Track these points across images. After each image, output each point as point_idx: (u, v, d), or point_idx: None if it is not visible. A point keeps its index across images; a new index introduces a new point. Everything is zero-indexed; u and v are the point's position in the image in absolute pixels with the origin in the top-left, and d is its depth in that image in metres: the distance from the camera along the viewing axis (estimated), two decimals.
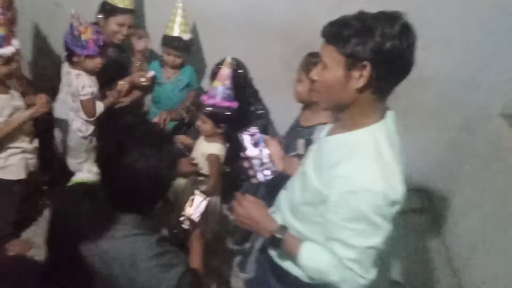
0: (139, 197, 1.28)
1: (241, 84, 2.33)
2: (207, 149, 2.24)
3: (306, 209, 1.34)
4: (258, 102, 2.60)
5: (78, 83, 2.30)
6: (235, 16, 2.85)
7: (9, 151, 2.08)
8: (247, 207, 1.42)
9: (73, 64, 2.29)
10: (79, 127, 2.42)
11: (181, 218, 1.47)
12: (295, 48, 2.93)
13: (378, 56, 1.12)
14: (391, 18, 1.15)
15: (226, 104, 2.11)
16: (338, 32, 1.21)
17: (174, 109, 2.69)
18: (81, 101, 2.34)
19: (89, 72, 2.32)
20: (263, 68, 2.81)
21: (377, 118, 1.25)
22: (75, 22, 2.14)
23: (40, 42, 3.11)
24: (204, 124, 2.16)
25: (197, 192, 1.52)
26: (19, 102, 2.04)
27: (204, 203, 1.48)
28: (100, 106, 2.39)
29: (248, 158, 1.47)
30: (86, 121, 2.42)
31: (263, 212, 1.44)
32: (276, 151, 1.56)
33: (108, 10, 2.48)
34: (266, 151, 1.48)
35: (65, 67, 2.36)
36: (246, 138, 1.48)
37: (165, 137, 1.52)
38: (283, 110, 2.65)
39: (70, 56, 2.26)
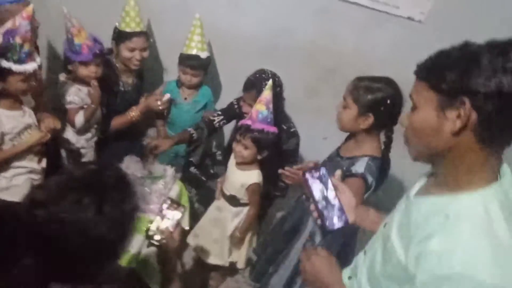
0: (67, 261, 0.94)
1: (277, 101, 2.18)
2: (247, 179, 2.05)
3: (389, 285, 1.06)
4: (289, 119, 2.44)
5: (63, 91, 2.17)
6: (258, 38, 2.74)
7: (15, 171, 1.93)
8: (316, 264, 1.20)
9: (69, 73, 2.17)
10: (69, 138, 2.24)
11: (150, 233, 1.33)
12: (320, 73, 2.83)
13: (483, 92, 0.87)
14: (505, 46, 0.88)
15: (272, 129, 1.96)
16: (431, 64, 0.98)
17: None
18: (66, 110, 2.19)
19: (82, 81, 2.16)
20: (285, 93, 2.67)
21: (489, 177, 0.94)
22: (67, 23, 2.01)
23: (53, 58, 3.02)
24: (246, 150, 1.97)
25: (167, 204, 1.40)
26: (30, 119, 1.92)
27: (179, 214, 1.37)
28: (79, 117, 2.17)
29: (315, 203, 1.24)
30: (77, 132, 2.25)
31: (335, 274, 1.21)
32: (348, 198, 1.30)
33: (117, 36, 2.36)
34: (334, 195, 1.24)
35: (61, 76, 2.23)
36: (313, 180, 1.25)
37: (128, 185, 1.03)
38: (306, 138, 2.51)
39: (66, 64, 2.14)
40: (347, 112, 1.65)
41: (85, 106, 2.17)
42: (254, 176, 2.04)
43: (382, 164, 1.65)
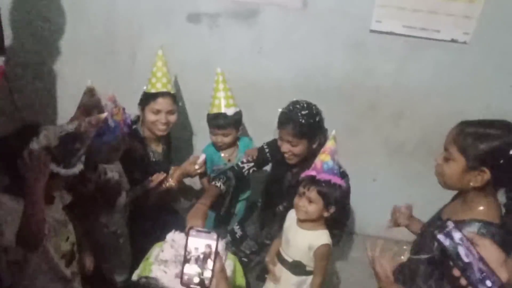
0: None
1: (318, 132, 1.93)
2: (315, 239, 1.75)
3: None
4: None
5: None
6: (290, 81, 2.55)
7: None
8: None
9: None
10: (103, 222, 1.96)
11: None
12: (360, 110, 2.61)
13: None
14: None
15: (339, 181, 1.71)
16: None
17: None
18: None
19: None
20: None
21: None
22: (108, 104, 1.78)
23: None
24: (310, 205, 1.71)
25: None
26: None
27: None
28: (122, 198, 1.94)
29: (459, 266, 0.98)
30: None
31: None
32: (493, 254, 1.04)
33: (143, 99, 2.17)
34: (472, 252, 1.00)
35: None
36: (448, 241, 1.02)
37: None
38: (353, 179, 2.24)
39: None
40: (451, 165, 1.29)
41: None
42: (323, 236, 1.75)
43: (500, 233, 1.25)
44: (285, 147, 1.92)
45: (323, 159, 1.71)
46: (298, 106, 1.90)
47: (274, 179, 2.13)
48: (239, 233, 2.20)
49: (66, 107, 2.65)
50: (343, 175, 1.87)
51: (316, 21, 2.41)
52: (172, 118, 2.17)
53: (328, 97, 2.55)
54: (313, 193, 1.70)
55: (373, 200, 2.65)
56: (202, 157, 2.19)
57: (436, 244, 1.24)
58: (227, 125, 2.21)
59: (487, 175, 1.23)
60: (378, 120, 2.61)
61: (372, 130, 2.64)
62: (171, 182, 2.10)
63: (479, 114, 1.39)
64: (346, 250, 2.80)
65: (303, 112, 1.87)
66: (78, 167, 1.46)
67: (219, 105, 2.21)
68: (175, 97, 2.19)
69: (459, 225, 1.20)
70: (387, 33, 2.37)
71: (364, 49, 2.43)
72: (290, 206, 1.83)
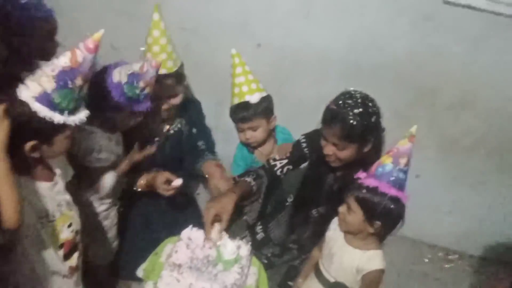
0: None
1: (376, 134, 1.56)
2: (366, 262, 1.42)
3: None
4: None
5: (89, 143, 1.60)
6: (337, 52, 2.18)
7: None
8: None
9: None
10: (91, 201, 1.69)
11: None
12: (416, 95, 2.23)
13: None
14: None
15: (393, 192, 1.34)
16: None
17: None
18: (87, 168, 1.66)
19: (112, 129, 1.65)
20: None
21: None
22: (150, 69, 1.50)
23: None
24: (350, 215, 1.40)
25: None
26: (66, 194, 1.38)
27: None
28: (109, 180, 1.63)
29: None
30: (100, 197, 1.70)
31: None
32: None
33: None
34: None
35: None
36: None
37: None
38: None
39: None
40: None
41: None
42: (376, 259, 1.42)
43: None
44: (328, 149, 1.56)
45: (382, 161, 1.37)
46: (350, 101, 1.49)
47: (311, 180, 1.75)
48: (261, 234, 1.86)
49: None
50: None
51: None
52: (176, 100, 1.81)
53: (380, 76, 2.19)
54: (351, 200, 1.38)
55: (412, 198, 2.34)
56: (178, 182, 1.69)
57: None
58: (253, 115, 1.80)
59: None
60: (435, 108, 2.24)
61: (427, 120, 2.27)
62: (141, 182, 1.75)
63: None
64: None
65: (355, 111, 1.47)
66: (84, 112, 1.21)
67: (240, 93, 1.80)
68: (179, 75, 1.79)
69: None
70: (464, 6, 1.95)
71: (433, 23, 2.02)
72: (328, 213, 1.51)
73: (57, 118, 1.13)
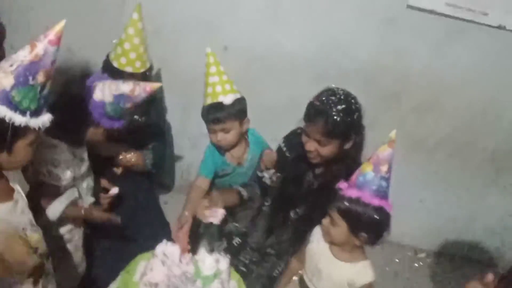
0: None
1: (357, 133, 1.57)
2: (356, 276, 1.38)
3: None
4: None
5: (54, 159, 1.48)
6: (304, 56, 2.18)
7: None
8: None
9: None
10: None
11: None
12: (382, 98, 2.26)
13: None
14: None
15: (376, 202, 1.29)
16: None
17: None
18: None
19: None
20: None
21: None
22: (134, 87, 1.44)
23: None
24: (334, 228, 1.36)
25: None
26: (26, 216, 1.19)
27: None
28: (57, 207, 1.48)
29: None
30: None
31: None
32: None
33: (110, 71, 1.71)
34: None
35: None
36: None
37: None
38: None
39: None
40: None
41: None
42: (366, 271, 1.39)
43: None
44: (310, 145, 1.54)
45: (363, 169, 1.33)
46: (333, 98, 1.50)
47: (290, 178, 1.73)
48: (237, 240, 1.81)
49: None
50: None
51: None
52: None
53: (347, 80, 2.16)
54: (334, 213, 1.34)
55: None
56: (114, 190, 1.61)
57: None
58: (226, 117, 1.72)
59: None
60: (401, 111, 2.27)
61: (393, 122, 2.29)
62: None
63: None
64: None
65: (339, 107, 1.47)
66: (47, 116, 1.08)
67: (213, 93, 1.72)
68: (145, 77, 1.76)
69: None
70: (426, 10, 2.00)
71: (397, 26, 2.06)
72: (307, 214, 1.49)
73: (18, 119, 1.01)
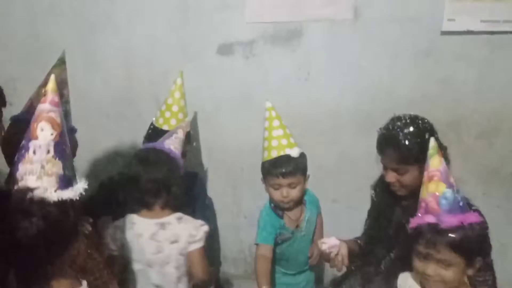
0: None
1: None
2: None
3: None
4: None
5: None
6: (346, 107, 2.13)
7: None
8: None
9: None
10: None
11: None
12: (440, 131, 2.10)
13: None
14: None
15: (473, 218, 1.17)
16: None
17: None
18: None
19: None
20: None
21: None
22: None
23: None
24: (448, 269, 1.15)
25: None
26: None
27: None
28: None
29: None
30: None
31: None
32: None
33: (150, 135, 1.83)
34: None
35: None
36: None
37: None
38: None
39: None
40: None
41: None
42: None
43: None
44: (390, 177, 1.46)
45: (435, 190, 1.17)
46: (399, 123, 1.45)
47: (377, 218, 1.60)
48: None
49: None
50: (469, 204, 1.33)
51: (371, 32, 2.02)
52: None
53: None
54: (445, 252, 1.13)
55: None
56: None
57: None
58: (296, 170, 1.64)
59: None
60: (465, 140, 2.10)
61: (458, 152, 2.10)
62: None
63: None
64: None
65: (406, 131, 1.41)
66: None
67: (279, 146, 1.67)
68: (188, 133, 1.82)
69: None
70: (462, 32, 1.94)
71: (435, 55, 2.00)
72: (401, 257, 1.29)
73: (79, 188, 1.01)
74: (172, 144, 1.58)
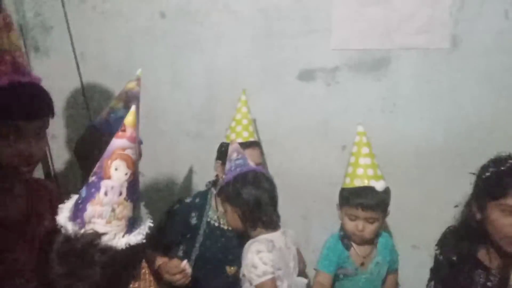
0: None
1: None
2: None
3: None
4: None
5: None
6: (437, 143, 1.92)
7: None
8: None
9: None
10: None
11: None
12: None
13: None
14: None
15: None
16: None
17: None
18: None
19: None
20: None
21: None
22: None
23: None
24: None
25: None
26: None
27: None
28: None
29: None
30: None
31: None
32: None
33: (223, 153, 1.82)
34: None
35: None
36: None
37: None
38: None
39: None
40: None
41: None
42: None
43: None
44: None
45: None
46: (508, 164, 1.33)
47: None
48: None
49: None
50: None
51: (471, 63, 1.82)
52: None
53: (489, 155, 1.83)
54: None
55: None
56: (184, 263, 1.55)
57: None
58: (377, 206, 1.53)
59: None
60: None
61: None
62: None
63: None
64: None
65: None
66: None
67: (364, 175, 1.57)
68: (260, 145, 1.93)
69: None
70: None
71: None
72: None
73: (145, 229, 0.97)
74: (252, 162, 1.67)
